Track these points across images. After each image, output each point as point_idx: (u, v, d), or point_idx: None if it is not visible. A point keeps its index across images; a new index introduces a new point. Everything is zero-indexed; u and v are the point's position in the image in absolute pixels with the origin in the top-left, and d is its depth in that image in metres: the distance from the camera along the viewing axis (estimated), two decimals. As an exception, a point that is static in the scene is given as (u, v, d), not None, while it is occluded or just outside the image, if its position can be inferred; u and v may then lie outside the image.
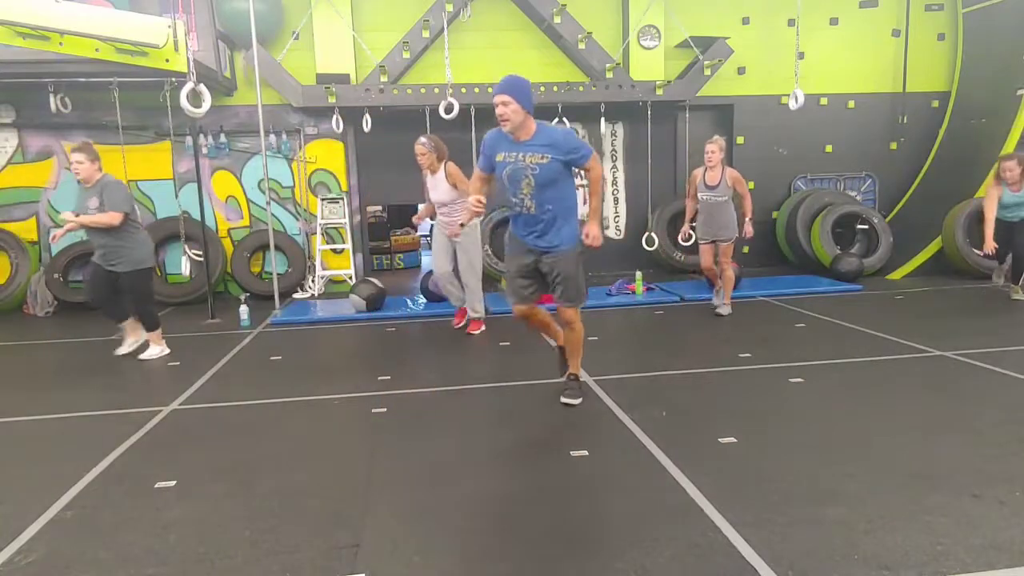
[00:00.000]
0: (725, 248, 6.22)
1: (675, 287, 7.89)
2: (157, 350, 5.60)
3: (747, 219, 6.20)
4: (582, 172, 3.90)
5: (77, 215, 5.17)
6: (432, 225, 6.26)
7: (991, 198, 6.53)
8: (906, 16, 9.41)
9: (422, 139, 5.88)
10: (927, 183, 9.28)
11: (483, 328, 6.16)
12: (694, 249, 9.01)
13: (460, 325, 6.28)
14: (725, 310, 6.41)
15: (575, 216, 3.92)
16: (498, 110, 3.65)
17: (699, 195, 6.18)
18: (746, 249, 9.66)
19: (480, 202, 3.76)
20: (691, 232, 6.49)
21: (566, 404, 3.98)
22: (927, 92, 9.58)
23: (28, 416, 4.23)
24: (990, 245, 6.48)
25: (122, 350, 5.66)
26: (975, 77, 9.13)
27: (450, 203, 5.80)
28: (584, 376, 4.62)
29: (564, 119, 8.76)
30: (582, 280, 3.89)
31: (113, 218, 5.14)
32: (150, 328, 5.59)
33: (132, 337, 5.70)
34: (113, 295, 5.46)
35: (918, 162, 9.51)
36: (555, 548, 2.48)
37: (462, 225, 5.20)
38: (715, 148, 5.99)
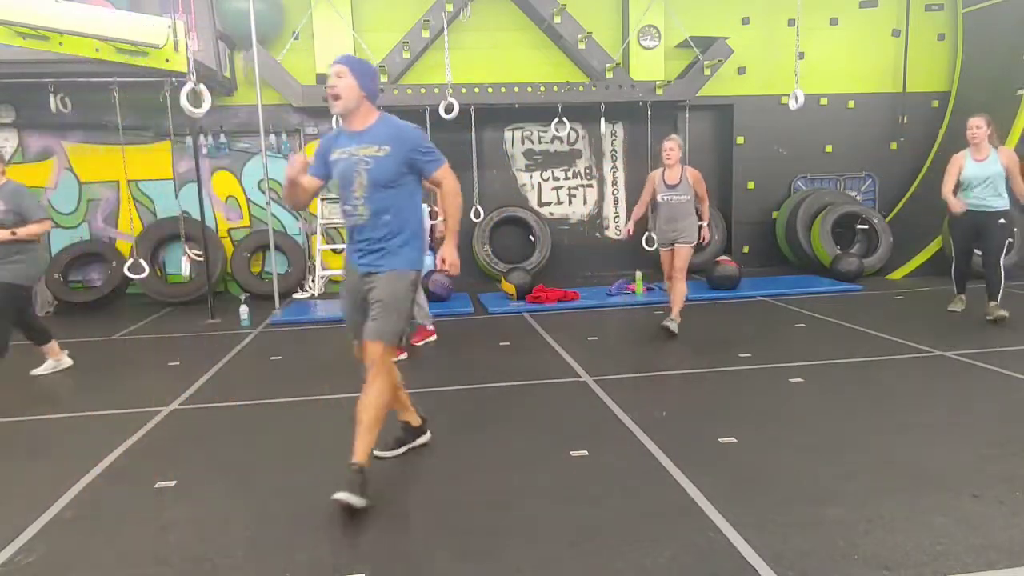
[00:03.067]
0: (683, 253, 5.64)
1: (675, 287, 7.88)
2: (51, 364, 5.22)
3: (703, 224, 5.71)
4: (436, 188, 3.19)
5: None
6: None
7: (952, 165, 5.71)
8: (906, 16, 9.41)
9: None
10: (927, 183, 9.27)
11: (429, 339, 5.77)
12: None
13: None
14: (674, 325, 5.65)
15: (420, 239, 3.14)
16: (329, 82, 2.97)
17: (658, 196, 5.67)
18: (746, 249, 9.69)
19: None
20: (632, 230, 5.95)
21: (340, 502, 2.71)
22: (927, 92, 9.58)
23: (28, 416, 4.23)
24: (955, 205, 5.58)
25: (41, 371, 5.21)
26: (975, 77, 9.13)
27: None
28: (584, 376, 4.63)
29: (564, 119, 8.77)
30: (405, 315, 3.02)
31: (46, 226, 4.90)
32: None
33: (54, 357, 5.27)
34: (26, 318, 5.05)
35: (918, 162, 9.51)
36: (555, 548, 2.48)
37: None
38: (673, 145, 5.55)
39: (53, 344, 5.27)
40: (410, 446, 3.43)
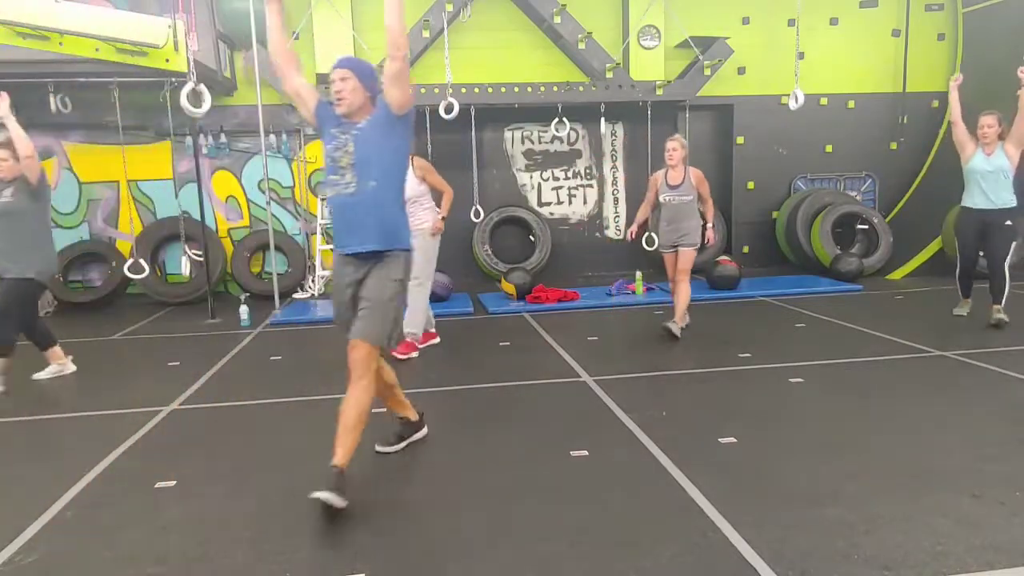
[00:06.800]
0: (687, 255, 5.59)
1: (675, 287, 7.89)
2: (55, 369, 5.10)
3: (709, 226, 5.70)
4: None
5: None
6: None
7: (967, 137, 5.70)
8: (906, 16, 9.41)
9: None
10: (927, 183, 9.28)
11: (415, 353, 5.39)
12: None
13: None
14: (676, 327, 5.53)
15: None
16: (335, 87, 3.11)
17: (661, 197, 5.63)
18: (746, 249, 9.69)
19: None
20: (636, 232, 5.83)
21: (320, 501, 2.66)
22: (927, 92, 9.57)
23: (28, 416, 4.23)
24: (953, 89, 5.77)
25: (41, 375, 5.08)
26: (975, 77, 9.11)
27: (414, 199, 5.22)
28: (584, 376, 4.63)
29: (564, 119, 8.77)
30: (396, 308, 3.06)
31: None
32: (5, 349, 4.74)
33: (56, 362, 5.13)
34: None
35: (918, 162, 9.50)
36: (555, 548, 2.48)
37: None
38: (676, 145, 5.50)
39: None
40: (409, 441, 3.49)
